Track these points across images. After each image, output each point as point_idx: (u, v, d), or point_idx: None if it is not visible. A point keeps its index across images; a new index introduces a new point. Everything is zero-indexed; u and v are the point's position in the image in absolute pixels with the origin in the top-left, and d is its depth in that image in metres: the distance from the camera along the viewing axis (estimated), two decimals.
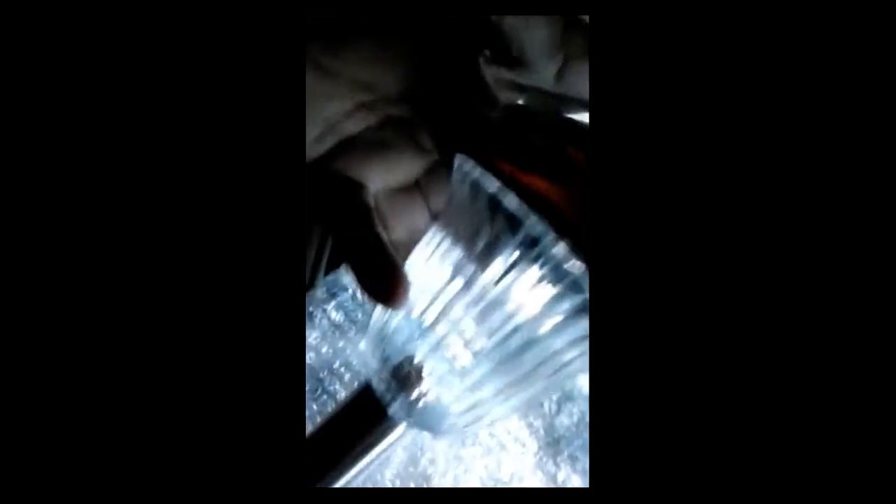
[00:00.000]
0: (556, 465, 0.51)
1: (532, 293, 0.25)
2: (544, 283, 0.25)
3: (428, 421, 0.28)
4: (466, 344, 0.27)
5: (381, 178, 0.30)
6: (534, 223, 0.25)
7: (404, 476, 0.46)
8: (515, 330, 0.26)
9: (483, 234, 0.26)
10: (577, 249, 0.24)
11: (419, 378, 0.27)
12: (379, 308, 0.28)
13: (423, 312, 0.27)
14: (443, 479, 0.47)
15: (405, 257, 0.30)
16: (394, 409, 0.28)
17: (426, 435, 0.47)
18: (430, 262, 0.28)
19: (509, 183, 0.25)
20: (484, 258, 0.26)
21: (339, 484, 0.28)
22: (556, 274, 0.25)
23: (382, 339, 0.28)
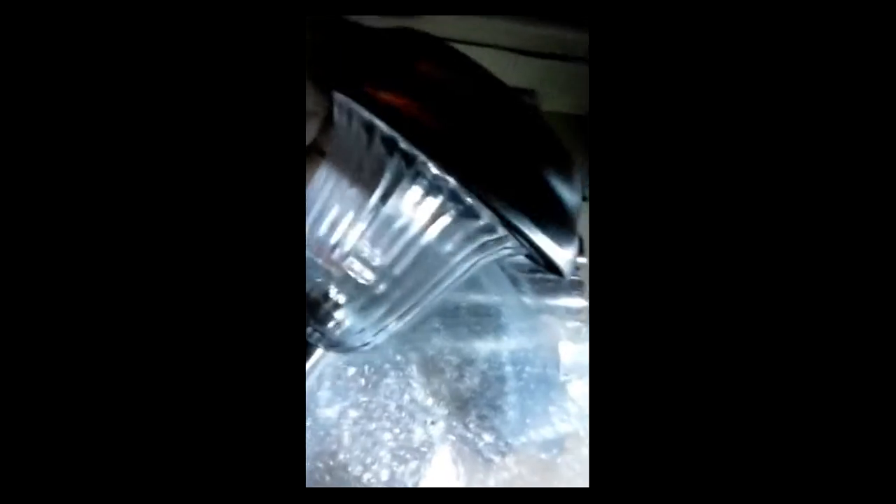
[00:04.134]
0: (466, 426, 0.54)
1: (418, 208, 0.28)
2: (427, 197, 0.27)
3: (341, 340, 0.30)
4: (366, 263, 0.29)
5: None
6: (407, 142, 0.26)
7: (311, 456, 0.47)
8: (408, 243, 0.29)
9: (366, 160, 0.28)
10: (447, 162, 0.25)
11: (326, 300, 0.29)
12: None
13: (322, 243, 0.29)
14: (349, 455, 0.48)
15: None
16: (308, 335, 0.30)
17: (329, 414, 0.47)
18: (323, 198, 0.30)
19: (372, 105, 0.25)
20: (369, 183, 0.28)
21: None
22: (436, 187, 0.27)
23: None
